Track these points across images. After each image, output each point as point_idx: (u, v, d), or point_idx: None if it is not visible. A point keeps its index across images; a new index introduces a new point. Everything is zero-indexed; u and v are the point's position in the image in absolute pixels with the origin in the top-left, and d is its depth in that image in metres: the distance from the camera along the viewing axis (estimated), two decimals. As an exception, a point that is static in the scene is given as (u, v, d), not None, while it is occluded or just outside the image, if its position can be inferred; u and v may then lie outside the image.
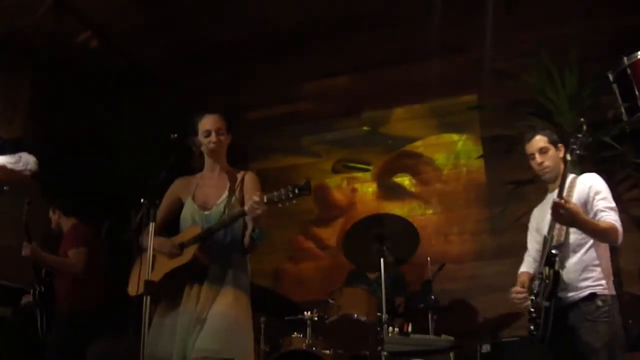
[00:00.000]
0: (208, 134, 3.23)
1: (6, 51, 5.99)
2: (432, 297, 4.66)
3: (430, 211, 5.95)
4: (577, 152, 3.16)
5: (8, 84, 6.15)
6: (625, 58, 3.84)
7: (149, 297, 2.77)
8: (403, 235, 4.51)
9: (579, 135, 3.18)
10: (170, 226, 3.30)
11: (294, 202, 2.86)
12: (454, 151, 6.01)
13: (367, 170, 6.29)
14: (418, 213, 5.92)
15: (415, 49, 6.03)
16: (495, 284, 5.22)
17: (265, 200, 2.88)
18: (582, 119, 3.24)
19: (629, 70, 3.80)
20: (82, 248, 4.65)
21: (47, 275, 4.70)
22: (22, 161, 5.43)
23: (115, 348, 4.89)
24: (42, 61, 6.32)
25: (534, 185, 4.61)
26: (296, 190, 2.83)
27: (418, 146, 6.14)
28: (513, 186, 5.27)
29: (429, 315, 4.57)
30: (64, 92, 6.55)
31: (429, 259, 4.94)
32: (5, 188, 4.85)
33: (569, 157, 3.17)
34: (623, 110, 4.49)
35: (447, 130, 6.08)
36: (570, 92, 5.04)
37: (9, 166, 5.38)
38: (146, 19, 6.05)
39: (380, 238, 4.43)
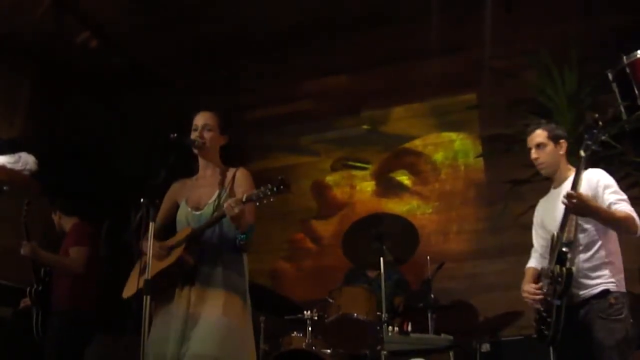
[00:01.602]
0: (195, 128, 3.23)
1: (6, 51, 5.99)
2: (432, 296, 4.66)
3: (429, 210, 5.95)
4: (593, 147, 3.08)
5: (8, 84, 6.16)
6: (624, 57, 3.83)
7: (148, 297, 2.75)
8: (403, 234, 4.51)
9: (594, 131, 3.09)
10: (170, 230, 3.29)
11: (272, 200, 2.86)
12: (454, 150, 6.02)
13: (366, 169, 6.29)
14: (417, 212, 5.92)
15: (415, 48, 6.03)
16: (494, 283, 5.24)
17: (244, 199, 2.88)
18: (596, 115, 3.16)
19: (628, 69, 3.76)
20: (83, 247, 4.65)
21: (47, 275, 4.70)
22: (21, 161, 5.42)
23: (114, 348, 4.89)
24: (42, 61, 6.32)
25: (533, 184, 4.61)
26: (275, 189, 2.83)
27: (417, 145, 6.14)
28: (512, 185, 5.27)
29: (429, 314, 4.57)
30: (64, 92, 6.55)
31: (428, 258, 4.92)
32: (5, 188, 4.84)
33: (582, 153, 3.10)
34: (622, 109, 4.48)
35: (446, 129, 6.09)
36: (569, 91, 5.05)
37: (9, 166, 5.37)
38: (146, 19, 6.05)
39: (380, 237, 4.42)
